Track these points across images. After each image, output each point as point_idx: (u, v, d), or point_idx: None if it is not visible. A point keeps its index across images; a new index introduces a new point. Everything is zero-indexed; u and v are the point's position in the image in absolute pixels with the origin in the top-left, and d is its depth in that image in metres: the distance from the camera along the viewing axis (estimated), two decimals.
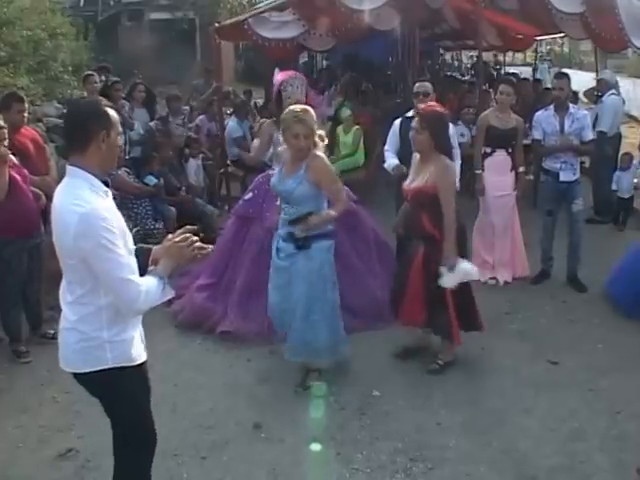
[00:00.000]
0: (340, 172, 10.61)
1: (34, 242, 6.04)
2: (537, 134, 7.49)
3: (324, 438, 4.86)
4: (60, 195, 3.21)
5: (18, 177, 5.85)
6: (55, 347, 3.45)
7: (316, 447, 4.78)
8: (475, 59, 19.57)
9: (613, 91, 10.03)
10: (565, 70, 13.31)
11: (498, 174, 7.54)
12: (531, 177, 9.59)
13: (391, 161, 7.04)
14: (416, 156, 5.84)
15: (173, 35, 22.97)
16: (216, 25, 10.28)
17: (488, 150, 7.61)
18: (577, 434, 4.87)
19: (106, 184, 3.26)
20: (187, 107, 11.02)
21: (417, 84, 7.22)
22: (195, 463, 4.64)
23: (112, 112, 3.27)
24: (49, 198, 5.20)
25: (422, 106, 6.12)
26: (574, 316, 6.80)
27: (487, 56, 20.81)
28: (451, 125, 6.65)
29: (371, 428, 4.99)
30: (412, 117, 6.96)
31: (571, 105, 7.41)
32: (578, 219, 7.51)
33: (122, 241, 3.16)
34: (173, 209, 8.60)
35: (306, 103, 5.58)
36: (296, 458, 4.66)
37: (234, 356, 6.10)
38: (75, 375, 3.37)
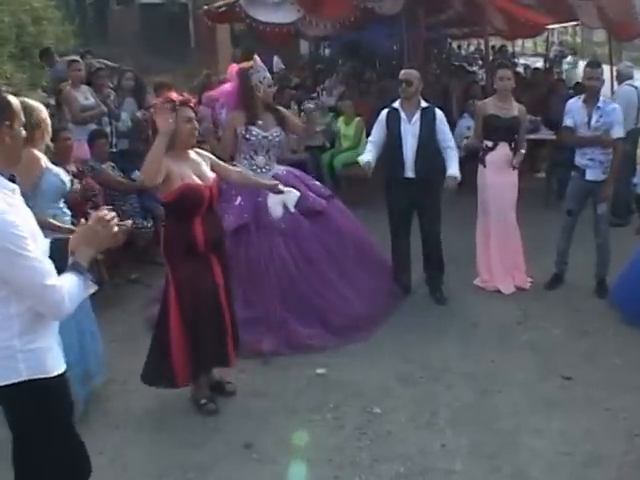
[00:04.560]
0: (342, 166, 10.31)
1: None
2: (569, 121, 6.82)
3: (320, 460, 4.50)
4: None
5: None
6: None
7: (311, 470, 4.42)
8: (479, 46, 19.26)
9: (629, 82, 9.54)
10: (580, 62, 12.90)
11: (500, 172, 6.96)
12: (542, 175, 9.08)
13: (365, 155, 6.64)
14: None
15: (165, 20, 22.53)
16: (205, 8, 9.86)
17: (489, 144, 7.00)
18: (592, 458, 4.49)
19: (12, 180, 2.96)
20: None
21: (401, 72, 6.79)
22: None
23: (14, 100, 2.97)
24: None
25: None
26: (588, 327, 6.38)
27: (497, 44, 20.36)
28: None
29: (371, 449, 4.61)
30: (398, 108, 6.61)
31: (601, 98, 6.78)
32: (603, 221, 6.93)
33: (34, 243, 2.84)
34: None
35: None
36: None
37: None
38: None
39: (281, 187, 5.63)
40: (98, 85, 8.59)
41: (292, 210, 6.07)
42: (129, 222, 3.24)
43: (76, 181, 6.02)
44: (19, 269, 2.77)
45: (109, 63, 10.66)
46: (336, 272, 6.34)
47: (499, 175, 6.95)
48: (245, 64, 6.23)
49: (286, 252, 6.10)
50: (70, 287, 2.86)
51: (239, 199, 6.19)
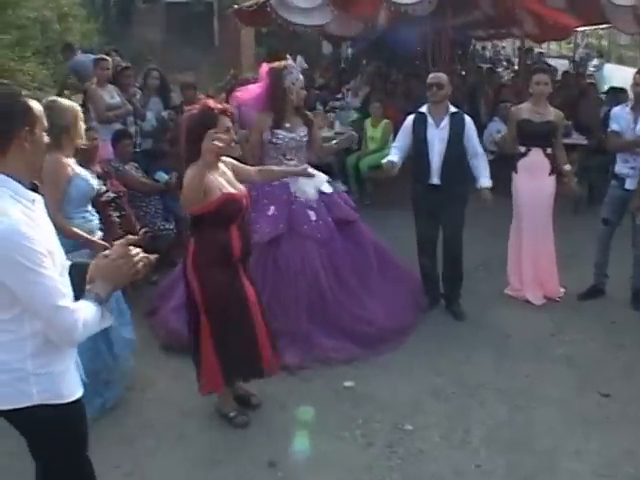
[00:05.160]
0: (368, 169, 10.14)
1: None
2: (615, 126, 6.58)
3: None
4: None
5: None
6: None
7: None
8: (503, 49, 19.02)
9: None
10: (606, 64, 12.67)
11: (533, 177, 6.71)
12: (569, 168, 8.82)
13: (389, 157, 6.43)
14: None
15: (190, 19, 22.47)
16: (235, 7, 9.69)
17: (522, 149, 6.77)
18: None
19: (34, 189, 2.78)
20: (204, 96, 10.42)
21: (430, 75, 6.58)
22: None
23: (35, 104, 2.77)
24: None
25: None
26: (625, 340, 6.14)
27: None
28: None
29: (402, 469, 4.42)
30: (425, 113, 6.43)
31: None
32: None
33: (49, 260, 2.65)
34: None
35: None
36: None
37: None
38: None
39: (311, 171, 5.52)
40: (124, 84, 8.44)
41: (327, 191, 6.02)
42: (154, 256, 3.01)
43: (101, 182, 5.88)
44: (29, 285, 2.60)
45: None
46: (362, 283, 6.17)
47: (532, 182, 6.72)
48: (277, 64, 5.99)
49: (319, 262, 5.92)
50: (87, 314, 2.69)
51: (272, 209, 5.96)
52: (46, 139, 2.80)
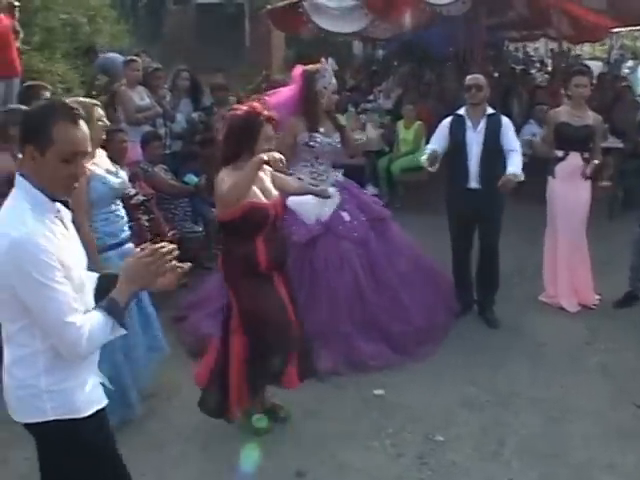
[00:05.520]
0: (400, 172, 10.03)
1: None
2: None
3: None
4: (2, 210, 2.62)
5: None
6: None
7: None
8: (536, 50, 18.80)
9: None
10: None
11: (570, 182, 6.57)
12: (608, 183, 8.64)
13: (431, 147, 6.34)
14: None
15: (221, 20, 22.47)
16: (268, 7, 9.61)
17: (560, 154, 6.62)
18: None
19: (65, 203, 2.69)
20: (234, 97, 10.34)
21: (468, 77, 6.46)
22: None
23: (59, 128, 2.56)
24: None
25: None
26: None
27: (555, 48, 19.83)
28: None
29: None
30: (463, 116, 6.32)
31: None
32: None
33: (64, 274, 2.55)
34: (215, 211, 7.87)
35: None
36: None
37: None
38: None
39: (330, 192, 5.42)
40: (154, 86, 8.40)
41: (329, 211, 5.87)
42: (188, 265, 2.88)
43: (130, 184, 5.82)
44: (40, 299, 2.52)
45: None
46: (397, 284, 6.05)
47: (569, 187, 6.57)
48: (311, 67, 5.90)
49: (357, 262, 5.84)
50: (92, 328, 2.60)
51: None
52: (68, 171, 2.60)
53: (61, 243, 2.61)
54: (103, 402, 2.88)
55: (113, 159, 5.09)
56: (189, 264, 2.88)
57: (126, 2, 18.99)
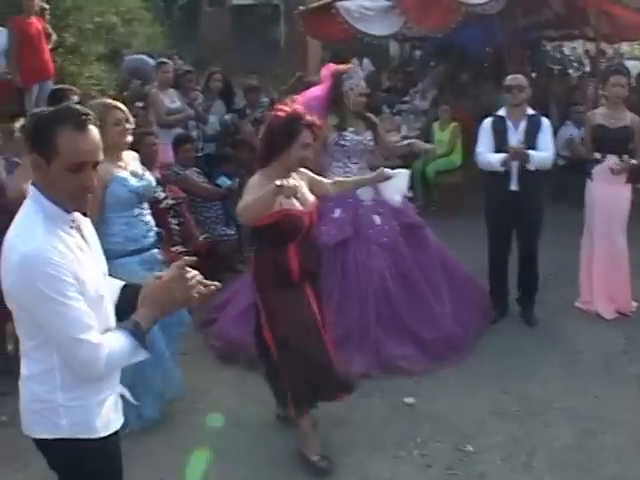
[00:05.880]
0: (435, 174, 9.93)
1: None
2: None
3: None
4: (15, 221, 2.51)
5: None
6: None
7: None
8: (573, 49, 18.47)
9: None
10: None
11: (609, 185, 6.40)
12: None
13: (496, 156, 6.15)
14: None
15: (256, 21, 22.51)
16: (300, 9, 9.55)
17: (598, 156, 6.47)
18: None
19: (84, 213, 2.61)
20: (267, 99, 10.30)
21: (509, 77, 6.34)
22: None
23: (63, 137, 2.42)
24: None
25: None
26: None
27: (591, 48, 19.49)
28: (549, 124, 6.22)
29: None
30: (504, 116, 6.21)
31: None
32: None
33: (77, 289, 2.43)
34: None
35: None
36: None
37: None
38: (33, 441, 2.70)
39: (388, 172, 5.10)
40: (185, 88, 8.40)
41: (405, 192, 5.83)
42: (216, 284, 2.67)
43: (160, 188, 5.78)
44: (50, 314, 2.41)
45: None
46: (429, 290, 5.98)
47: (607, 190, 6.42)
48: (342, 66, 5.85)
49: (385, 267, 5.77)
50: (114, 349, 2.49)
51: (338, 211, 5.83)
52: (77, 181, 2.47)
53: (75, 256, 2.48)
54: (120, 421, 2.78)
55: (143, 162, 5.03)
56: (218, 284, 2.71)
57: (160, 4, 19.04)
